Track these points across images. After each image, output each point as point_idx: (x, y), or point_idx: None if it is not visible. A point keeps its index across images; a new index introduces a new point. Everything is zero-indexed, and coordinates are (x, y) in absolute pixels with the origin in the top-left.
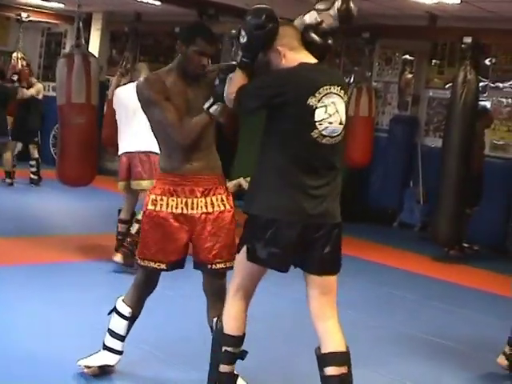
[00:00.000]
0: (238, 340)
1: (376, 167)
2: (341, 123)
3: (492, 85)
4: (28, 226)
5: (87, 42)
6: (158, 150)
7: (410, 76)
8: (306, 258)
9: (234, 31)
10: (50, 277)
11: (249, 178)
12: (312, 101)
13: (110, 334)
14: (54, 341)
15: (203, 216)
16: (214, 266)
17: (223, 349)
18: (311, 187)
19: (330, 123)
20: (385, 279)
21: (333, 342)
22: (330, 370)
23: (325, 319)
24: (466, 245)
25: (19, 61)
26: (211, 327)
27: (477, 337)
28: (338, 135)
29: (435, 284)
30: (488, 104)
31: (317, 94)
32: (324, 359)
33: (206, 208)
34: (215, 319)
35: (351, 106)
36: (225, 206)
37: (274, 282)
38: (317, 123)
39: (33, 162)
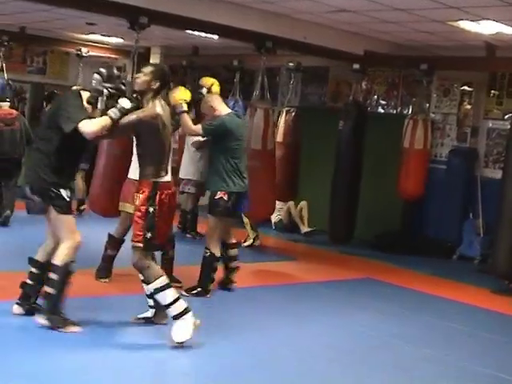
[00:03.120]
0: (38, 263)
1: (435, 199)
2: None
3: None
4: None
5: None
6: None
7: (468, 107)
8: None
9: (291, 64)
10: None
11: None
12: None
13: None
14: None
15: None
16: None
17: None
18: None
19: None
20: (444, 313)
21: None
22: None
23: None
24: None
25: None
26: None
27: None
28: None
29: (496, 318)
30: None
31: None
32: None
33: None
34: None
35: (406, 137)
36: None
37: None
38: None
39: None
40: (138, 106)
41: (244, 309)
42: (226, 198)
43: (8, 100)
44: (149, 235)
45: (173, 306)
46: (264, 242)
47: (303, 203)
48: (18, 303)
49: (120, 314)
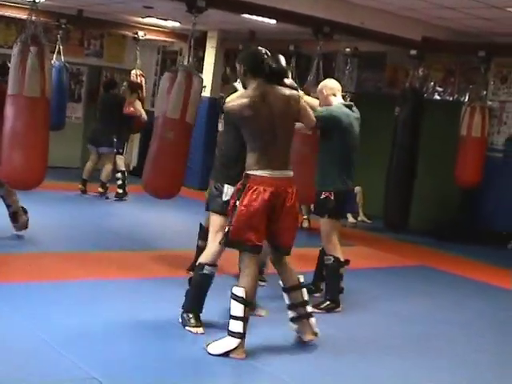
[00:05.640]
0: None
1: (490, 188)
2: None
3: None
4: (107, 241)
5: (202, 59)
6: None
7: None
8: None
9: (347, 49)
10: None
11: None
12: None
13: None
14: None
15: None
16: None
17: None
18: None
19: None
20: (498, 301)
21: None
22: None
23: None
24: None
25: (138, 78)
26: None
27: None
28: None
29: None
30: None
31: None
32: None
33: None
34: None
35: (464, 125)
36: None
37: None
38: None
39: (118, 175)
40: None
41: None
42: (332, 197)
43: None
44: (226, 229)
45: (236, 322)
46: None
47: (357, 189)
48: None
49: None
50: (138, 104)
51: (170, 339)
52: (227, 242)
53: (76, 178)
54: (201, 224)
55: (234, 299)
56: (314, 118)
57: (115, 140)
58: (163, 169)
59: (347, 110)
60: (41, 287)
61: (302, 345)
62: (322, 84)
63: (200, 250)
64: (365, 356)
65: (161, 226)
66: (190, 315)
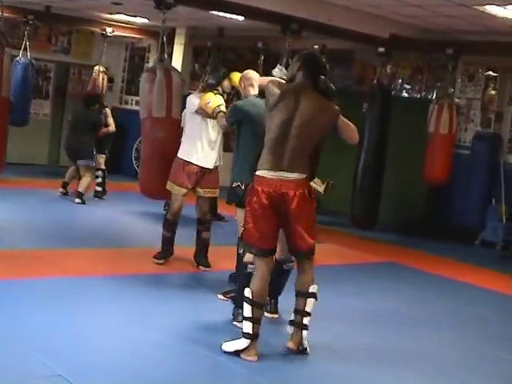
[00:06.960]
0: None
1: (457, 185)
2: None
3: None
4: (88, 239)
5: (170, 56)
6: None
7: (493, 93)
8: None
9: (315, 46)
10: (127, 288)
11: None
12: None
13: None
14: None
15: None
16: None
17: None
18: None
19: None
20: (467, 298)
21: None
22: None
23: None
24: None
25: (100, 74)
26: None
27: None
28: None
29: None
30: None
31: None
32: None
33: None
34: None
35: (431, 122)
36: None
37: None
38: None
39: (98, 173)
40: None
41: None
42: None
43: None
44: (241, 229)
45: (246, 322)
46: None
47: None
48: None
49: None
50: (109, 117)
51: (141, 337)
52: (242, 242)
53: (43, 174)
54: (164, 215)
55: (244, 300)
56: (356, 133)
57: (95, 152)
58: (158, 170)
59: (258, 100)
60: (9, 285)
61: (277, 346)
62: (241, 75)
63: (166, 239)
64: (334, 353)
65: (132, 223)
66: (240, 311)
